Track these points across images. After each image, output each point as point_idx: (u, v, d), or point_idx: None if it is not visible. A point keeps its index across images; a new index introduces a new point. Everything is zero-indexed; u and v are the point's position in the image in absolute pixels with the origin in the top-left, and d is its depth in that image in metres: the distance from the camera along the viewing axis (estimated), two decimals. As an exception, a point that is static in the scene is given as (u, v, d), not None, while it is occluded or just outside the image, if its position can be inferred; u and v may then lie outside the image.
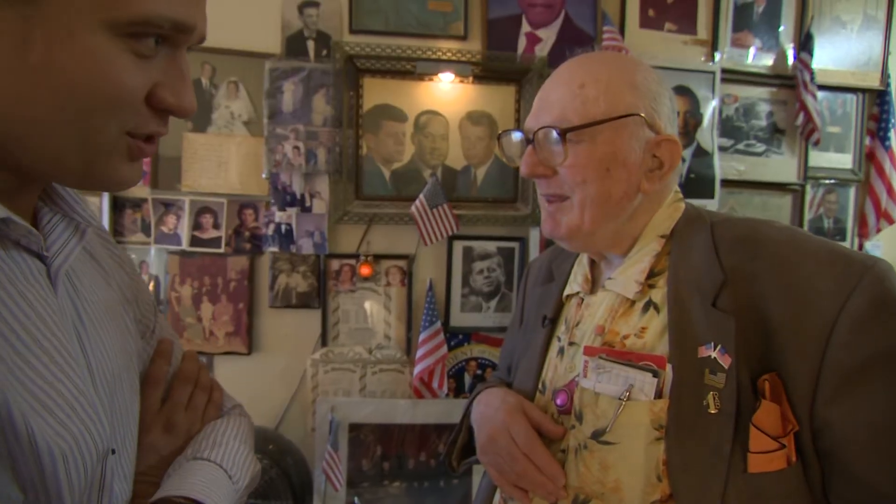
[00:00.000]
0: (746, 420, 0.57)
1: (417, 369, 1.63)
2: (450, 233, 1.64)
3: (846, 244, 2.10)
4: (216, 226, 1.60)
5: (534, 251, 1.77)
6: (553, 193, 0.70)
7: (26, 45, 0.36)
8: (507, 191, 1.78)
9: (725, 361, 0.59)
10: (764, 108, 1.97)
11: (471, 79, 1.70)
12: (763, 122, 1.96)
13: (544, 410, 0.73)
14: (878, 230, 2.10)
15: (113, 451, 0.48)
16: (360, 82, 1.66)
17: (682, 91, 1.86)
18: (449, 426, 1.73)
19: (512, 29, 1.72)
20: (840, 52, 2.04)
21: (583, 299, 0.76)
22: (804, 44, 1.95)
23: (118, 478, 0.49)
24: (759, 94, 1.96)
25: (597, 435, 0.65)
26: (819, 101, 1.95)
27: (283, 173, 1.62)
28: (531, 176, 0.70)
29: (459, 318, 1.75)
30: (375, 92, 1.67)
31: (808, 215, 2.04)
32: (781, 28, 1.97)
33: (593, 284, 0.76)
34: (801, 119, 1.93)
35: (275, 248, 1.61)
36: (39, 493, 0.39)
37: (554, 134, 0.66)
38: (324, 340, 1.66)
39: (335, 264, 1.67)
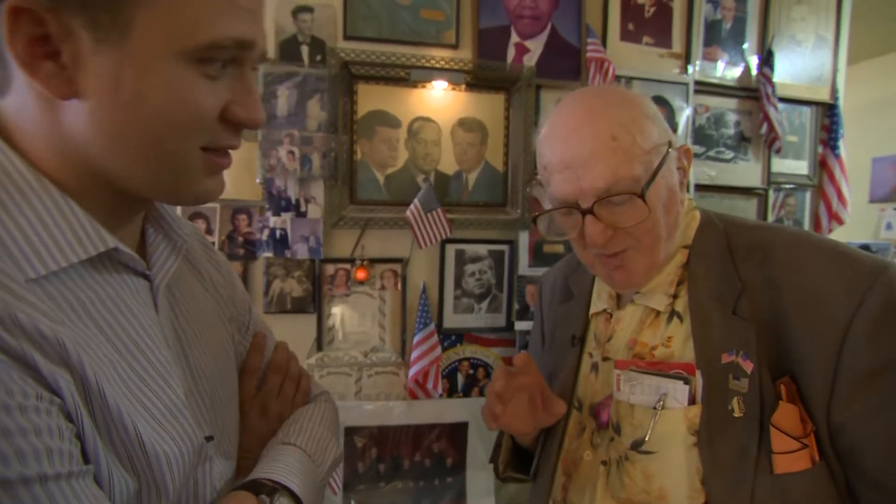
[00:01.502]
0: (769, 422, 0.59)
1: (412, 371, 1.64)
2: (443, 236, 1.66)
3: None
4: (209, 231, 1.56)
5: (523, 254, 1.82)
6: (619, 250, 0.67)
7: (118, 83, 0.40)
8: (497, 196, 1.81)
9: (748, 367, 0.60)
10: (732, 118, 2.09)
11: (463, 86, 1.72)
12: (731, 131, 2.09)
13: (582, 427, 0.74)
14: (830, 230, 2.26)
15: (211, 438, 0.53)
16: (355, 88, 1.65)
17: (659, 101, 1.94)
18: (443, 426, 1.75)
19: (501, 39, 1.75)
20: (797, 68, 2.19)
21: (611, 314, 0.76)
22: (766, 59, 2.08)
23: (218, 457, 0.55)
24: (727, 105, 2.08)
25: (636, 445, 0.65)
26: (780, 112, 2.09)
27: (277, 178, 1.60)
28: (606, 243, 0.65)
29: (452, 320, 1.77)
30: (369, 98, 1.67)
31: (770, 217, 2.17)
32: (746, 44, 2.10)
33: (619, 299, 0.77)
34: (764, 128, 2.06)
35: (269, 254, 1.59)
36: (150, 480, 0.44)
37: (632, 198, 0.63)
38: (319, 345, 1.65)
39: (330, 269, 1.66)
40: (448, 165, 1.76)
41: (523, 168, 1.76)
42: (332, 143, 1.62)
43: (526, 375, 0.70)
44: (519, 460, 0.86)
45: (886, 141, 3.47)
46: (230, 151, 0.49)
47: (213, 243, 1.54)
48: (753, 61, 2.11)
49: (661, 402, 0.64)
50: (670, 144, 0.67)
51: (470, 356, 1.81)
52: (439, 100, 1.73)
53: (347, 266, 1.67)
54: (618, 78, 1.87)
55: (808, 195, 2.26)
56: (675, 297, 0.69)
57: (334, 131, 1.62)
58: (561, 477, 0.75)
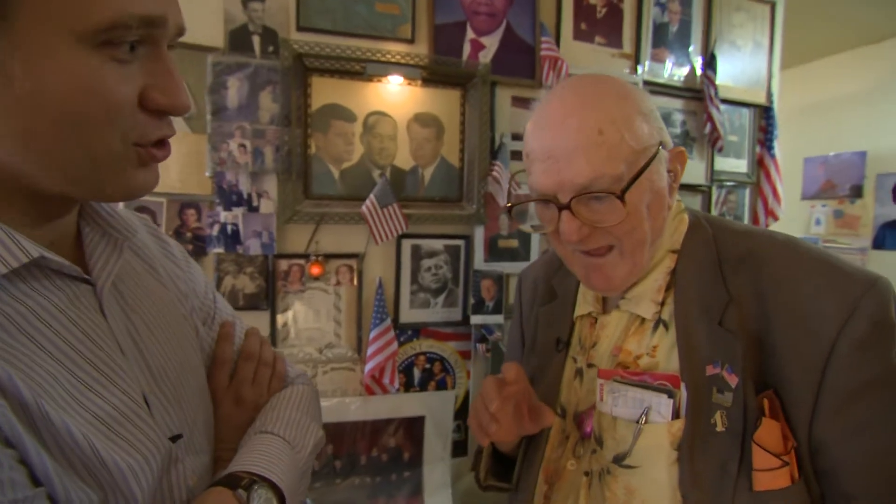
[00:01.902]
0: (751, 438, 0.57)
1: (368, 366, 1.64)
2: (399, 232, 1.66)
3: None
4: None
5: (479, 248, 1.84)
6: (596, 248, 0.65)
7: (10, 76, 0.36)
8: (453, 191, 1.82)
9: (733, 381, 0.58)
10: (679, 118, 2.18)
11: (419, 82, 1.72)
12: (678, 130, 2.18)
13: (565, 436, 0.72)
14: (767, 225, 2.41)
15: (179, 436, 0.52)
16: (309, 81, 1.62)
17: (610, 100, 2.00)
18: (400, 420, 1.76)
19: (457, 35, 1.76)
20: (736, 71, 2.31)
21: (596, 319, 0.73)
22: (709, 62, 2.18)
23: (189, 455, 0.53)
24: (674, 105, 2.17)
25: (618, 459, 0.64)
26: (722, 113, 2.20)
27: (228, 172, 1.55)
28: (580, 240, 0.63)
29: (409, 315, 1.78)
30: (324, 91, 1.65)
31: (713, 212, 2.28)
32: (691, 47, 2.19)
33: (605, 303, 0.74)
34: (708, 128, 2.16)
35: (220, 249, 1.55)
36: (115, 490, 0.43)
37: (605, 195, 0.60)
38: (273, 342, 1.62)
39: (284, 264, 1.63)
40: (404, 160, 1.76)
41: (479, 163, 1.78)
42: (286, 137, 1.59)
43: (515, 384, 0.67)
44: (499, 466, 0.83)
45: (816, 142, 3.72)
46: (168, 139, 0.45)
47: (159, 239, 1.48)
48: (698, 63, 2.20)
49: (645, 417, 0.62)
50: (662, 145, 0.64)
51: (426, 350, 1.82)
52: (395, 94, 1.72)
53: (302, 262, 1.65)
54: (570, 76, 1.90)
55: (747, 192, 2.39)
56: (662, 304, 0.66)
57: (287, 124, 1.58)
58: (543, 485, 0.72)
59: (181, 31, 0.44)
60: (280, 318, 1.64)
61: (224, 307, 0.70)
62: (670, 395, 0.62)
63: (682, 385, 0.61)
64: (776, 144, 2.38)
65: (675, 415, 0.61)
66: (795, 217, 3.64)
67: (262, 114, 1.58)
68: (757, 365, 0.59)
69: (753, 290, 0.60)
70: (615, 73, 2.00)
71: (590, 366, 0.72)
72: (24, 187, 0.41)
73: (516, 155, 1.89)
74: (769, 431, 0.56)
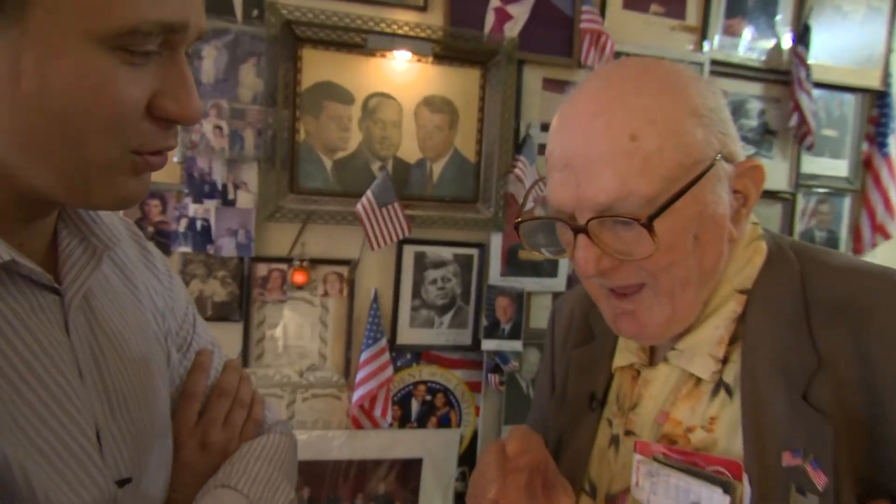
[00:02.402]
0: None
1: (357, 394, 1.64)
2: (400, 236, 1.65)
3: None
4: (116, 219, 1.56)
5: (495, 260, 1.81)
6: (623, 285, 0.60)
7: (18, 72, 0.40)
8: (467, 190, 1.80)
9: (820, 480, 0.52)
10: (755, 106, 2.08)
11: (430, 58, 1.71)
12: (754, 122, 2.07)
13: None
14: (874, 245, 2.25)
15: (128, 480, 0.53)
16: (299, 54, 1.64)
17: (669, 83, 1.93)
18: (393, 462, 1.75)
19: (478, 2, 1.74)
20: (840, 47, 2.17)
21: (639, 372, 0.69)
22: (801, 36, 2.07)
23: (137, 502, 0.53)
24: (750, 90, 2.07)
25: None
26: (815, 101, 2.09)
27: (200, 158, 1.59)
28: (599, 273, 0.58)
29: (408, 335, 1.77)
30: (317, 66, 1.66)
31: (798, 227, 2.17)
32: (778, 17, 2.09)
33: (652, 352, 0.69)
34: (794, 120, 2.05)
35: (187, 248, 1.59)
36: None
37: (633, 222, 0.55)
38: (245, 360, 1.64)
39: (262, 269, 1.65)
40: (409, 152, 1.75)
41: (499, 158, 1.75)
42: (270, 119, 1.61)
43: (525, 453, 0.63)
44: None
45: None
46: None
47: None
48: (786, 37, 2.10)
49: None
50: (723, 157, 0.58)
51: (428, 379, 1.81)
52: (401, 73, 1.71)
53: (284, 267, 1.66)
54: (617, 54, 1.85)
55: (846, 202, 2.25)
56: (724, 361, 0.61)
57: (273, 104, 1.61)
58: None
59: (201, 34, 0.48)
60: (255, 333, 1.66)
61: (203, 333, 0.72)
62: (726, 489, 0.55)
63: (745, 477, 0.55)
64: (892, 140, 2.23)
65: None
66: None
67: (242, 91, 1.61)
68: (862, 459, 0.52)
69: (855, 352, 0.54)
70: (675, 52, 1.94)
71: (628, 433, 0.67)
72: (14, 186, 0.45)
73: (546, 149, 1.84)
74: None
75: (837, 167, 2.23)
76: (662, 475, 0.60)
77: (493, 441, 0.71)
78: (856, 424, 0.53)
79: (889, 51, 2.25)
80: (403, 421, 1.80)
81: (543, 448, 0.65)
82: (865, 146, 2.27)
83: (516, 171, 1.75)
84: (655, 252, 0.55)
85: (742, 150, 0.62)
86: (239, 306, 1.64)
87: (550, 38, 1.81)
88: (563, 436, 0.75)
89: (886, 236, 2.25)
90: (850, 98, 2.24)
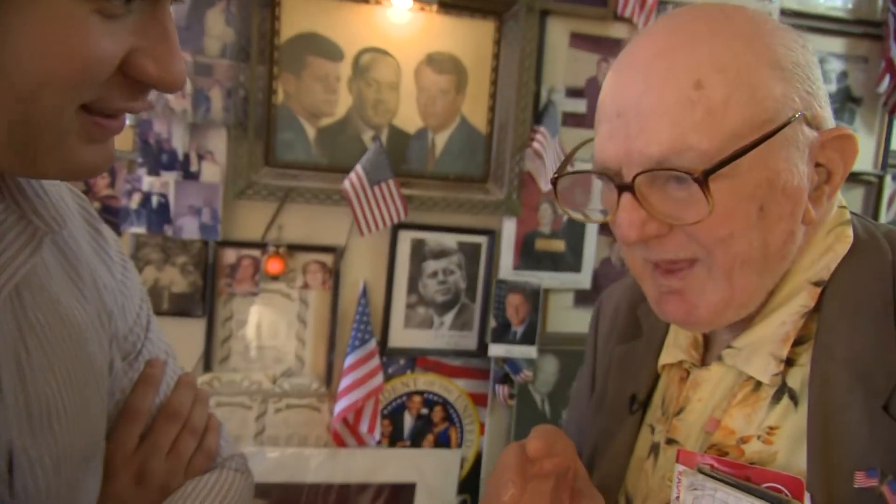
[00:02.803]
0: None
1: (340, 406, 1.62)
2: (395, 220, 1.63)
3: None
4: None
5: (507, 250, 1.77)
6: (670, 258, 0.60)
7: None
8: (476, 166, 1.76)
9: None
10: (836, 67, 2.00)
11: (434, 7, 1.66)
12: (833, 87, 2.00)
13: None
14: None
15: None
16: None
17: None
18: (381, 487, 1.73)
19: (495, -61, 1.69)
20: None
21: (688, 372, 0.69)
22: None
23: None
24: (830, 47, 1.98)
25: None
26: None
27: (156, 121, 1.56)
28: (642, 239, 0.59)
29: (401, 337, 1.75)
30: (299, 14, 1.62)
31: (885, 216, 2.09)
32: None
33: (705, 350, 0.69)
34: (885, 84, 1.96)
35: (140, 229, 1.57)
36: None
37: (686, 178, 0.55)
38: (207, 363, 1.63)
39: (231, 256, 1.63)
40: (408, 120, 1.71)
41: (515, 129, 1.71)
42: (242, 77, 1.58)
43: (552, 457, 0.64)
44: None
45: None
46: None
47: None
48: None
49: None
50: (807, 122, 0.58)
51: (424, 389, 1.79)
52: (400, 25, 1.67)
53: (256, 253, 1.64)
54: (662, 3, 1.78)
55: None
56: (789, 362, 0.61)
57: (245, 59, 1.57)
58: None
59: None
60: (220, 331, 1.64)
61: (157, 339, 0.69)
62: None
63: (808, 497, 0.55)
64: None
65: None
66: None
67: (208, 42, 1.57)
68: None
69: None
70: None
71: (669, 442, 0.68)
72: None
73: (571, 119, 1.79)
74: None
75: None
76: (708, 489, 0.60)
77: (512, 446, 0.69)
78: None
79: None
80: (394, 438, 1.78)
81: (572, 452, 0.67)
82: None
83: (535, 144, 1.70)
84: (709, 217, 0.55)
85: (832, 118, 0.60)
86: (201, 299, 1.62)
87: (581, -17, 1.75)
88: (599, 442, 0.76)
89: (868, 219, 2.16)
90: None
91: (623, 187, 0.58)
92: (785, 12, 1.91)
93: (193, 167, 1.60)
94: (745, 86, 0.55)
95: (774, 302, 0.62)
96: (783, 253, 0.60)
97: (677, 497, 0.62)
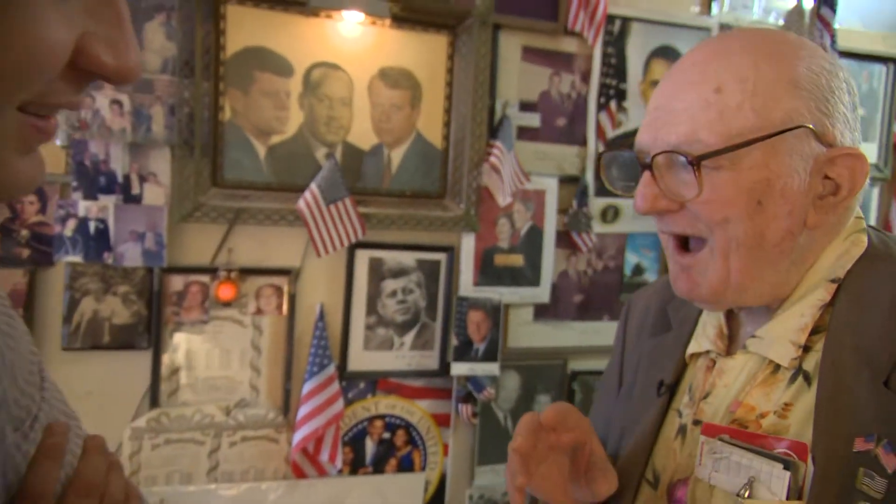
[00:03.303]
0: None
1: (299, 435, 1.58)
2: (353, 239, 1.59)
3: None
4: (-18, 221, 1.43)
5: (466, 267, 1.75)
6: (678, 232, 0.72)
7: None
8: (433, 182, 1.73)
9: (890, 463, 0.58)
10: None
11: (387, 21, 1.63)
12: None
13: None
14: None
15: None
16: (222, 11, 1.54)
17: (667, 53, 1.89)
18: (343, 515, 1.68)
19: (446, -49, 1.67)
20: (870, 9, 2.16)
21: (714, 361, 0.77)
22: (826, -5, 2.05)
23: None
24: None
25: None
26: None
27: (92, 142, 1.47)
28: (651, 211, 0.71)
29: (361, 360, 1.71)
30: (246, 28, 1.56)
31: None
32: (799, -26, 2.06)
33: (730, 341, 0.77)
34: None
35: (76, 257, 1.48)
36: None
37: (682, 160, 0.66)
38: (154, 398, 1.56)
39: (178, 282, 1.56)
40: (362, 136, 1.67)
41: (471, 144, 1.69)
42: (186, 93, 1.51)
43: (567, 432, 0.74)
44: None
45: None
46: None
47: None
48: None
49: (748, 489, 0.65)
50: (817, 137, 0.66)
51: (386, 413, 1.75)
52: (352, 39, 1.63)
53: (205, 279, 1.58)
54: (611, 18, 1.80)
55: (875, 191, 2.25)
56: (805, 349, 0.69)
57: (189, 75, 1.51)
58: None
59: None
60: (167, 362, 1.57)
61: (54, 398, 0.61)
62: (787, 466, 0.64)
63: (811, 458, 0.63)
64: (925, 120, 2.25)
65: (798, 495, 0.63)
66: None
67: (148, 56, 1.50)
68: None
69: None
70: (678, 15, 1.89)
71: (696, 423, 0.75)
72: None
73: (526, 133, 1.78)
74: None
75: (866, 151, 2.21)
76: (725, 453, 0.68)
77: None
78: None
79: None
80: (356, 466, 1.73)
81: (589, 429, 0.76)
82: (896, 127, 2.27)
83: (491, 159, 1.68)
84: (709, 200, 0.66)
85: (853, 139, 0.68)
86: (146, 330, 1.54)
87: (533, -3, 1.75)
88: (627, 425, 0.83)
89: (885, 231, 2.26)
90: (880, 69, 2.24)
91: (645, 166, 0.70)
92: (725, 27, 1.94)
93: (135, 190, 1.51)
94: (759, 96, 0.65)
95: (795, 296, 0.70)
96: (781, 248, 0.68)
97: (700, 462, 0.71)
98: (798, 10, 2.05)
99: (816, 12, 2.05)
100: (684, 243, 0.73)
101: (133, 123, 1.49)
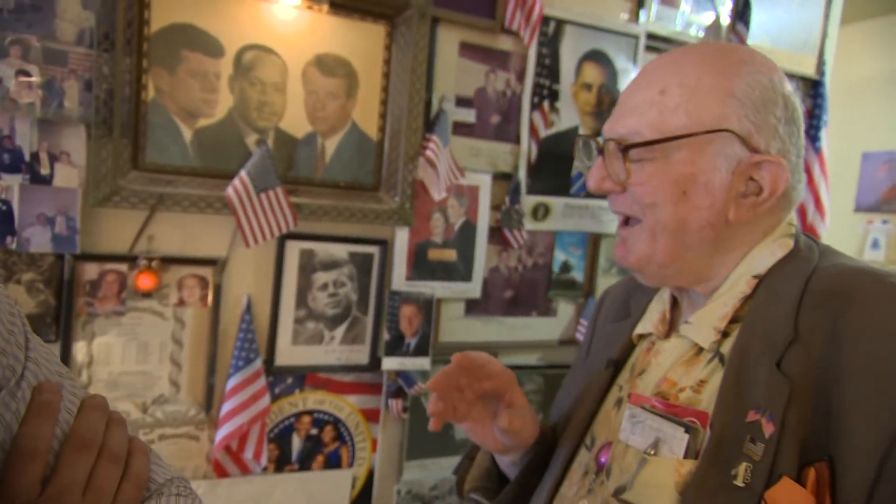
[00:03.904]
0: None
1: (222, 433, 1.53)
2: (284, 229, 1.55)
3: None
4: None
5: (399, 261, 1.73)
6: (621, 212, 0.82)
7: None
8: (367, 173, 1.71)
9: (768, 430, 0.66)
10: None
11: (324, 7, 1.59)
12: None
13: (585, 471, 0.85)
14: (802, 248, 2.42)
15: None
16: None
17: (597, 57, 1.94)
18: (267, 514, 1.62)
19: (386, -60, 1.63)
20: (779, 27, 2.28)
21: (654, 343, 0.86)
22: (740, 12, 2.15)
23: None
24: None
25: (619, 492, 0.76)
26: (753, 89, 2.18)
27: (-1, 118, 1.35)
28: (597, 190, 0.82)
29: (290, 354, 1.66)
30: (173, 3, 1.48)
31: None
32: (717, -11, 2.16)
33: (670, 327, 0.86)
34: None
35: (-21, 242, 1.35)
36: None
37: (638, 159, 0.77)
38: (65, 392, 1.44)
39: (91, 271, 1.46)
40: (295, 123, 1.62)
41: (407, 137, 1.67)
42: (105, 69, 1.41)
43: (488, 379, 0.86)
44: (492, 483, 0.99)
45: (879, 131, 3.63)
46: None
47: None
48: (725, 12, 2.16)
49: (654, 448, 0.74)
50: (742, 140, 0.74)
51: (314, 408, 1.71)
52: (287, 23, 1.57)
53: (123, 268, 1.48)
54: (546, 20, 1.82)
55: (779, 199, 2.40)
56: (725, 335, 0.77)
57: (109, 49, 1.41)
58: None
59: None
60: (79, 357, 1.46)
61: (43, 359, 0.60)
62: (688, 430, 0.73)
63: (709, 426, 0.71)
64: (824, 134, 2.39)
65: (695, 457, 0.71)
66: (845, 236, 3.63)
67: (61, 25, 1.39)
68: (813, 423, 0.66)
69: (829, 332, 0.68)
70: (608, 21, 1.94)
71: (631, 395, 0.83)
72: None
73: (462, 128, 1.79)
74: (788, 494, 0.63)
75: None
76: (641, 418, 0.78)
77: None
78: (816, 392, 0.67)
79: (824, 35, 2.41)
80: (281, 463, 1.68)
81: (510, 378, 0.88)
82: (798, 140, 2.41)
83: (427, 153, 1.67)
84: (631, 180, 0.77)
85: (779, 149, 0.75)
86: (55, 321, 1.43)
87: (472, -7, 1.74)
88: (578, 395, 0.93)
89: (816, 237, 2.41)
90: (786, 87, 2.37)
91: (599, 151, 0.81)
92: (651, 36, 2.02)
93: (44, 170, 1.40)
94: (693, 101, 0.74)
95: (723, 289, 0.79)
96: (701, 235, 0.77)
97: (622, 427, 0.80)
98: (716, 25, 2.16)
99: (732, 28, 2.16)
100: (627, 220, 0.82)
101: (43, 97, 1.38)
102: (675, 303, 0.87)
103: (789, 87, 0.77)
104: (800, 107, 0.78)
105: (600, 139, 0.83)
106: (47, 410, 0.56)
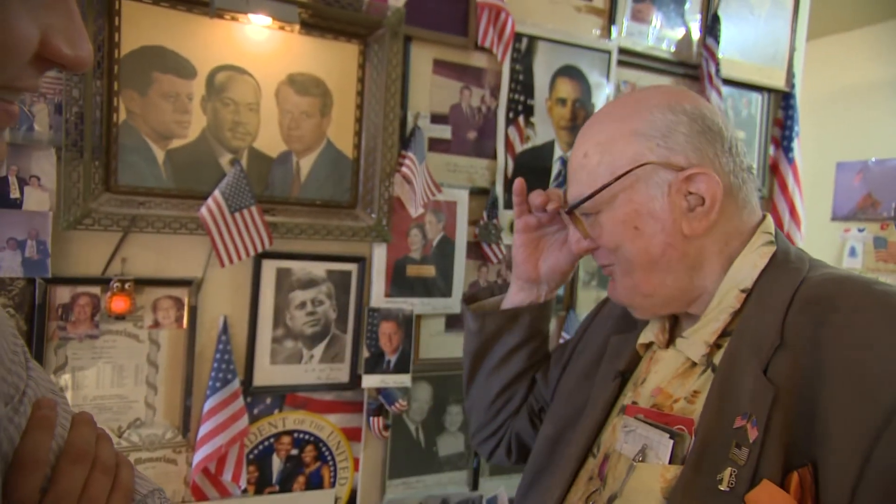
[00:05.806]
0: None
1: (200, 455, 1.50)
2: (259, 248, 1.54)
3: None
4: None
5: (378, 278, 1.72)
6: (602, 263, 0.89)
7: None
8: (344, 191, 1.70)
9: (752, 435, 0.68)
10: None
11: (296, 27, 1.58)
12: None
13: (589, 477, 0.87)
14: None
15: None
16: (117, 6, 1.44)
17: (571, 73, 1.95)
18: (247, 538, 1.58)
19: (357, -39, 1.64)
20: (748, 42, 2.31)
21: (655, 352, 0.90)
22: (710, 27, 2.17)
23: None
24: (659, 84, 2.14)
25: (611, 500, 0.78)
26: (724, 98, 2.19)
27: (-32, 143, 1.33)
28: (579, 252, 0.92)
29: (268, 374, 1.64)
30: (143, 26, 1.46)
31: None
32: (687, 4, 2.18)
33: (670, 338, 0.89)
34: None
35: (-52, 268, 1.32)
36: None
37: (592, 215, 0.85)
38: (37, 419, 1.40)
39: (64, 294, 1.43)
40: (270, 143, 1.61)
41: (382, 154, 1.66)
42: (76, 92, 1.39)
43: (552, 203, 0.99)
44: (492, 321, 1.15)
45: (853, 142, 3.69)
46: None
47: None
48: (695, 27, 2.19)
49: (641, 455, 0.77)
50: (666, 165, 0.79)
51: (294, 429, 1.68)
52: (259, 43, 1.57)
53: (96, 290, 1.46)
54: (518, 36, 1.83)
55: (755, 209, 2.41)
56: (718, 346, 0.80)
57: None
58: None
59: None
60: (53, 381, 1.42)
61: (41, 378, 0.65)
62: (673, 436, 0.75)
63: (694, 432, 0.73)
64: (796, 144, 2.41)
65: (680, 461, 0.74)
66: (823, 244, 3.67)
67: None
68: (797, 428, 0.67)
69: (811, 337, 0.69)
70: (580, 36, 1.95)
71: (634, 404, 0.86)
72: None
73: (438, 145, 1.79)
74: (768, 496, 0.64)
75: (746, 172, 2.37)
76: (633, 427, 0.81)
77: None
78: (801, 398, 0.68)
79: (792, 49, 2.44)
80: (262, 485, 1.65)
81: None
82: (772, 150, 2.43)
83: (403, 169, 1.66)
84: (601, 236, 0.85)
85: (699, 158, 0.79)
86: (27, 346, 1.38)
87: (443, 12, 1.75)
88: (589, 406, 0.95)
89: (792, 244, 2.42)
90: (757, 97, 2.39)
91: (568, 214, 0.89)
92: (623, 51, 2.04)
93: (13, 194, 1.37)
94: (608, 151, 0.82)
95: (714, 303, 0.81)
96: (668, 257, 0.81)
97: (618, 437, 0.84)
98: (687, 39, 2.19)
99: (703, 42, 2.19)
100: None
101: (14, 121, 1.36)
102: (675, 314, 0.90)
103: (693, 104, 0.80)
104: (713, 114, 0.81)
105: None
106: (46, 424, 0.59)
